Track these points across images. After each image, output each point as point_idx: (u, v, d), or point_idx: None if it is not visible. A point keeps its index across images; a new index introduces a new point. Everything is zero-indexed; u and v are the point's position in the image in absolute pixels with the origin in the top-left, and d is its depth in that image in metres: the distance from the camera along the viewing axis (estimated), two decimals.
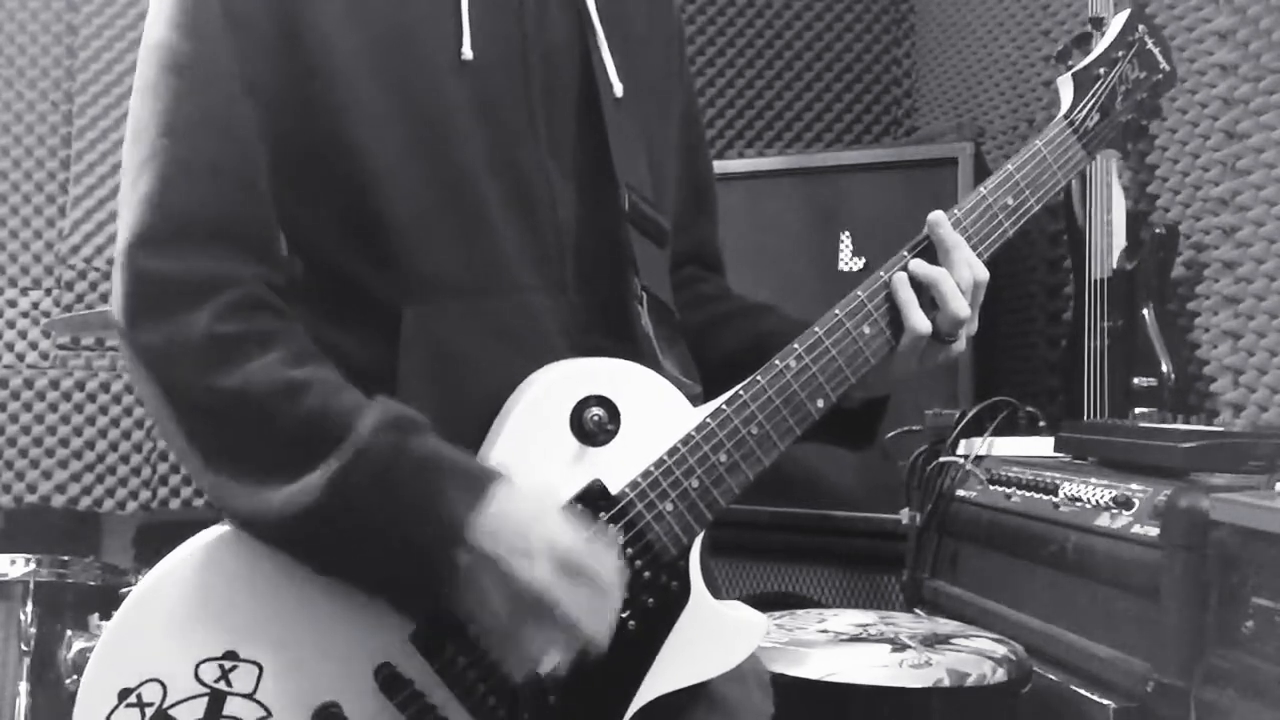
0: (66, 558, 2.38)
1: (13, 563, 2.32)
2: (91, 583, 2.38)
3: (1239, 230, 2.20)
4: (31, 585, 2.30)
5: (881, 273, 1.15)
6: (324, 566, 0.98)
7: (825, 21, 3.65)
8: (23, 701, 2.26)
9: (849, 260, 2.73)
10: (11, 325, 3.43)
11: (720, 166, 2.87)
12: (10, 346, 3.42)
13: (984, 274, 1.16)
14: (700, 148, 1.36)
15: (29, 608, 2.29)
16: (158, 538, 3.49)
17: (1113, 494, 1.65)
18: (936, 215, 1.16)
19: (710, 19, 3.63)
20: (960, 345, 1.17)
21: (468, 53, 1.07)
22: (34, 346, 3.43)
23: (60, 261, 3.43)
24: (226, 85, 1.02)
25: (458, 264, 1.05)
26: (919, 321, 1.12)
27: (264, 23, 1.03)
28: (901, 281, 1.13)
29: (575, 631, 0.95)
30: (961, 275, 1.14)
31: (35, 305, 3.44)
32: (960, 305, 1.13)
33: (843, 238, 2.74)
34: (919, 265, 1.14)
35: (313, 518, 0.94)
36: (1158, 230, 2.29)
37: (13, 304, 3.44)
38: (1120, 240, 2.33)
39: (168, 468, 3.40)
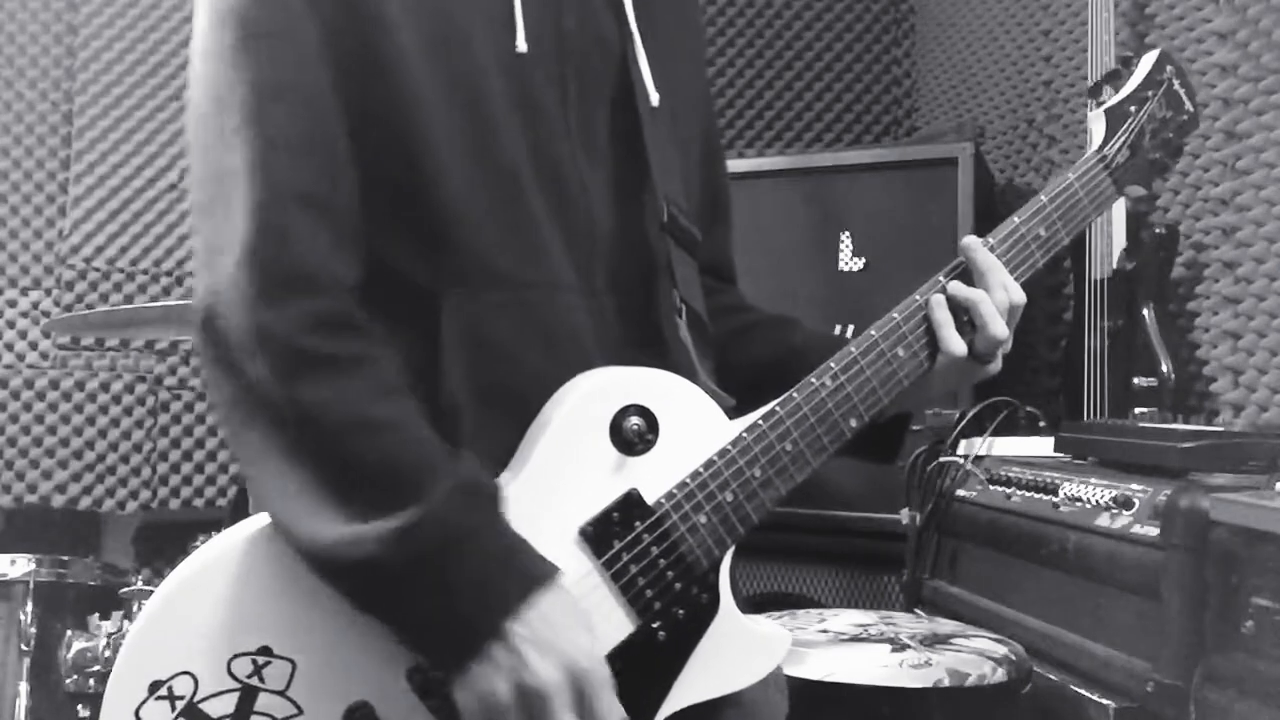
0: (66, 558, 2.38)
1: (13, 563, 2.32)
2: (91, 583, 2.38)
3: (1239, 230, 2.20)
4: (31, 585, 2.31)
5: (917, 295, 1.16)
6: (357, 604, 0.97)
7: (825, 21, 3.65)
8: (23, 702, 2.26)
9: (849, 260, 2.73)
10: (11, 325, 3.44)
11: None
12: (10, 346, 3.42)
13: (1021, 297, 1.18)
14: (719, 156, 1.36)
15: (29, 608, 2.29)
16: (158, 538, 3.49)
17: (1113, 494, 1.65)
18: (971, 240, 1.17)
19: (711, 19, 3.63)
20: (997, 365, 1.19)
21: (522, 45, 1.06)
22: (34, 346, 3.43)
23: (60, 261, 3.43)
24: (314, 58, 1.01)
25: (503, 254, 1.05)
26: (955, 344, 1.14)
27: (333, 6, 1.01)
28: (939, 303, 1.15)
29: None
30: (999, 298, 1.15)
31: (35, 305, 3.44)
32: (999, 327, 1.15)
33: (843, 238, 2.74)
34: (958, 287, 1.16)
35: (363, 569, 0.93)
36: (1158, 230, 2.29)
37: (13, 304, 3.45)
38: (1120, 240, 2.33)
39: (168, 468, 3.40)
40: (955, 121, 3.35)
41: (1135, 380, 2.25)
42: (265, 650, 0.97)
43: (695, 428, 1.06)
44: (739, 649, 1.08)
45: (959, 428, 2.19)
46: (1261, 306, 2.13)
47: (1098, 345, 2.32)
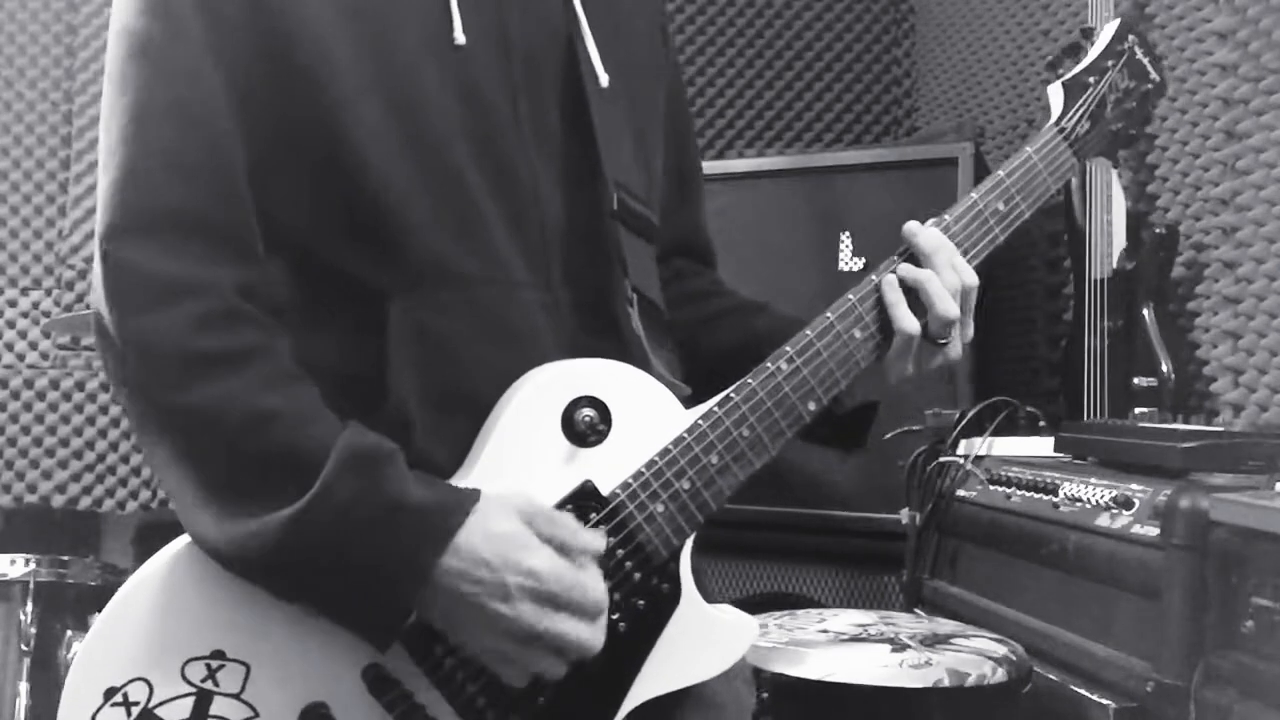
0: (66, 558, 2.38)
1: (13, 563, 2.32)
2: (91, 583, 2.38)
3: (1239, 230, 2.20)
4: (31, 585, 2.31)
5: (873, 276, 1.16)
6: (283, 596, 0.97)
7: (825, 21, 3.65)
8: (23, 701, 2.26)
9: (849, 260, 2.73)
10: (11, 325, 3.44)
11: (720, 166, 2.87)
12: (10, 346, 3.42)
13: (972, 279, 1.17)
14: (687, 134, 1.35)
15: (29, 608, 2.29)
16: (158, 538, 3.45)
17: (1113, 494, 1.65)
18: (911, 226, 1.17)
19: (710, 19, 3.63)
20: (956, 349, 1.18)
21: (460, 37, 1.05)
22: (34, 346, 3.43)
23: (60, 261, 3.43)
24: (199, 73, 1.00)
25: (447, 253, 1.04)
26: (908, 322, 1.13)
27: (235, 10, 1.00)
28: (890, 284, 1.15)
29: (568, 651, 0.97)
30: (947, 278, 1.15)
31: (35, 305, 3.44)
32: (948, 306, 1.14)
33: (843, 238, 2.74)
34: (906, 268, 1.15)
35: (269, 559, 0.94)
36: (1158, 230, 2.29)
37: (13, 304, 3.45)
38: (1120, 240, 2.33)
39: None
40: (955, 121, 3.35)
41: (1135, 380, 2.25)
42: (218, 654, 0.97)
43: (649, 417, 1.06)
44: (704, 638, 1.07)
45: (959, 428, 2.18)
46: (1261, 306, 2.13)
47: (1098, 345, 2.32)
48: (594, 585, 0.98)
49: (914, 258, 1.16)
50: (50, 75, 3.48)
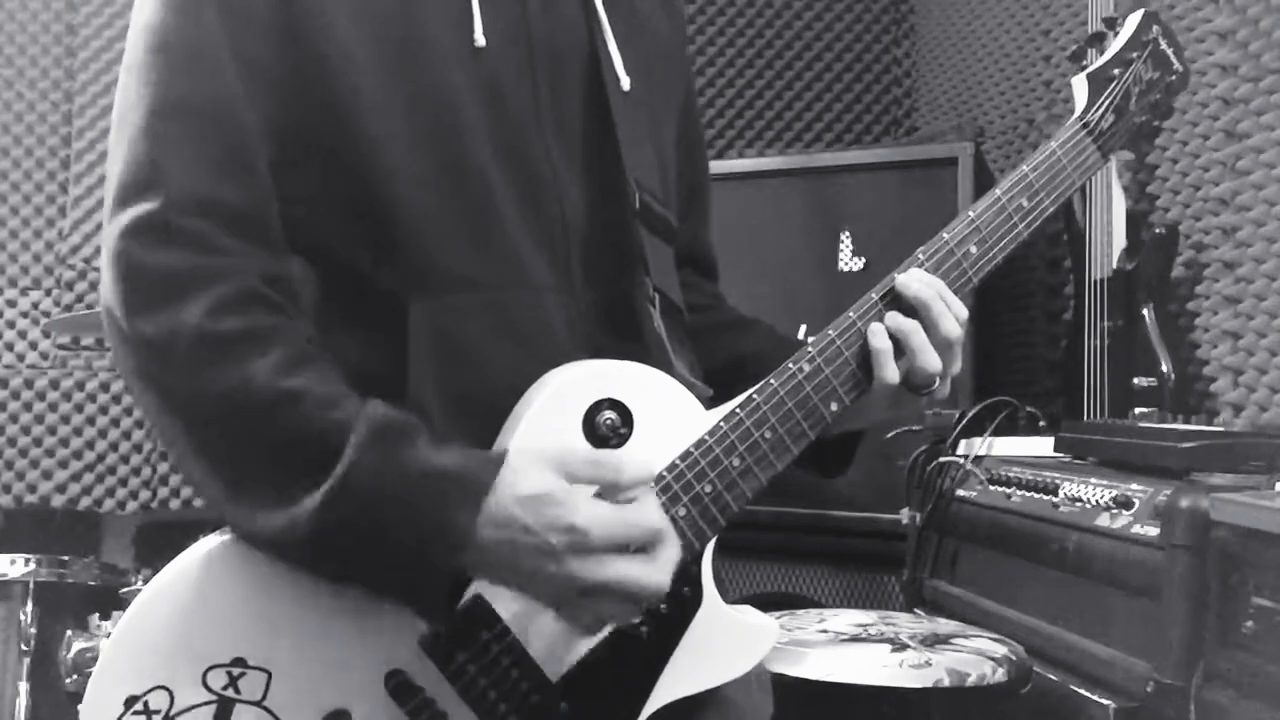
0: (66, 558, 2.38)
1: (13, 563, 2.32)
2: (91, 583, 2.38)
3: (1239, 230, 2.20)
4: (31, 585, 2.31)
5: (854, 313, 1.11)
6: (333, 579, 0.97)
7: (825, 21, 3.65)
8: (23, 701, 2.26)
9: (849, 260, 2.73)
10: (11, 325, 3.44)
11: (720, 166, 2.87)
12: (10, 346, 3.42)
13: (960, 322, 1.12)
14: (698, 143, 1.35)
15: (29, 608, 2.30)
16: (158, 538, 3.49)
17: (1113, 494, 1.65)
18: (902, 279, 1.11)
19: (710, 19, 3.63)
20: (944, 390, 1.14)
21: (480, 39, 1.05)
22: (34, 346, 3.43)
23: (60, 261, 3.43)
24: (221, 68, 1.00)
25: (467, 257, 1.04)
26: (888, 372, 1.09)
27: (260, 9, 1.01)
28: (876, 333, 1.10)
29: (635, 593, 0.94)
30: (941, 329, 1.10)
31: (35, 305, 3.44)
32: (930, 359, 1.09)
33: (843, 238, 2.74)
34: (894, 319, 1.10)
35: (309, 548, 0.94)
36: (1158, 230, 2.29)
37: (13, 304, 3.44)
38: (1120, 240, 2.33)
39: (168, 468, 3.40)
40: (955, 121, 3.35)
41: (1135, 380, 2.25)
42: (239, 661, 0.97)
43: (671, 420, 1.04)
44: (725, 641, 1.06)
45: (959, 428, 2.19)
46: (1261, 306, 2.13)
47: (1098, 345, 2.32)
48: (646, 517, 0.95)
49: (903, 306, 1.11)
50: (50, 75, 3.48)
